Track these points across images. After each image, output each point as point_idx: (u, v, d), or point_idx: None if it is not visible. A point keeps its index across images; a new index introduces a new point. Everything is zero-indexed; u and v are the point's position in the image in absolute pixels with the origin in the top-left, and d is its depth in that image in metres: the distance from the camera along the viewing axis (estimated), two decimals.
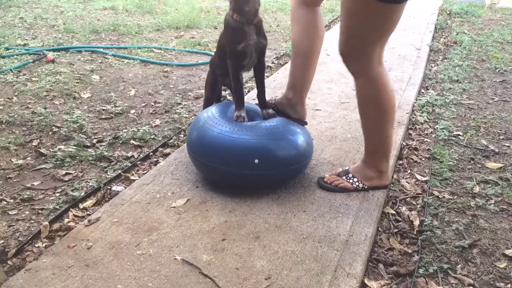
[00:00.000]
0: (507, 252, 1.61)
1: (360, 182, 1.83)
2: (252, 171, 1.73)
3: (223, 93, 3.01)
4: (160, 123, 2.57)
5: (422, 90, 3.18)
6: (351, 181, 1.83)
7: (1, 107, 2.66)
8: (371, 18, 1.57)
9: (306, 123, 1.98)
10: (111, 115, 2.65)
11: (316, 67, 2.00)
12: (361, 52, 1.66)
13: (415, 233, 1.71)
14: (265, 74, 3.39)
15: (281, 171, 1.79)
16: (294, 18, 1.93)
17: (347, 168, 1.90)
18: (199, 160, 1.82)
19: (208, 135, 1.77)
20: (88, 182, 1.97)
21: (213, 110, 1.89)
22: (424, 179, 2.07)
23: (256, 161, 1.70)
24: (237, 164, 1.73)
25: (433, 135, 2.51)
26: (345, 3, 1.61)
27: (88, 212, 1.77)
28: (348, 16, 1.62)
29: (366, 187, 1.84)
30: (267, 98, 1.99)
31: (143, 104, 2.82)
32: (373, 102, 1.73)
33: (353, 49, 1.67)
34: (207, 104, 2.09)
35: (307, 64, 1.94)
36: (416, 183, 2.04)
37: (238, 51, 1.77)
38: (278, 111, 1.97)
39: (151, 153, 2.23)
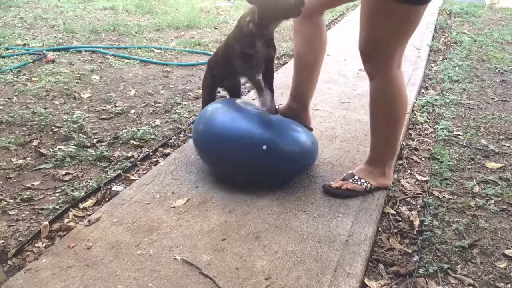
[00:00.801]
0: (507, 252, 1.61)
1: (367, 182, 1.83)
2: (259, 160, 1.73)
3: (223, 92, 3.01)
4: (160, 123, 2.57)
5: (422, 90, 3.18)
6: (359, 182, 1.82)
7: (1, 107, 2.66)
8: (391, 20, 1.55)
9: (311, 130, 1.97)
10: (111, 115, 2.65)
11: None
12: (381, 54, 1.65)
13: (415, 233, 1.71)
14: None
15: (286, 165, 1.79)
16: (298, 32, 1.92)
17: (350, 172, 1.88)
18: (205, 149, 1.84)
19: (218, 120, 1.79)
20: (88, 182, 1.97)
21: (220, 102, 1.91)
22: (424, 179, 2.07)
23: (264, 147, 1.70)
24: (244, 151, 1.73)
25: (433, 135, 2.51)
26: (365, 4, 1.59)
27: (88, 212, 1.77)
28: (368, 17, 1.60)
29: (373, 187, 1.84)
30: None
31: (143, 104, 2.82)
32: (386, 105, 1.72)
33: (373, 50, 1.66)
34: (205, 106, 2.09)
35: (312, 76, 1.95)
36: (416, 183, 2.04)
37: (248, 53, 1.77)
38: None
39: (151, 153, 2.23)
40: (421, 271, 1.51)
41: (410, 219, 1.78)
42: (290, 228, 1.62)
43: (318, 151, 1.94)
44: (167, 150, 2.26)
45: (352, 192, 1.81)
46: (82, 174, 2.04)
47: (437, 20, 5.24)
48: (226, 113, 1.81)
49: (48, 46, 3.85)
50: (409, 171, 2.15)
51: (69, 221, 1.70)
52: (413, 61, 3.62)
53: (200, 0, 6.09)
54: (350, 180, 1.83)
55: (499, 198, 1.92)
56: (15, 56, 3.56)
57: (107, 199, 1.84)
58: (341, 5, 5.50)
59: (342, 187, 1.82)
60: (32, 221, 1.72)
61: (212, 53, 3.83)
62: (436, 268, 1.52)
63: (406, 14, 1.54)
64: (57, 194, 1.89)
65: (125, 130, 2.45)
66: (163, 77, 3.30)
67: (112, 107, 2.75)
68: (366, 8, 1.60)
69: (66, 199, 1.85)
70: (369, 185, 1.83)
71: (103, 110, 2.70)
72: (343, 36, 4.36)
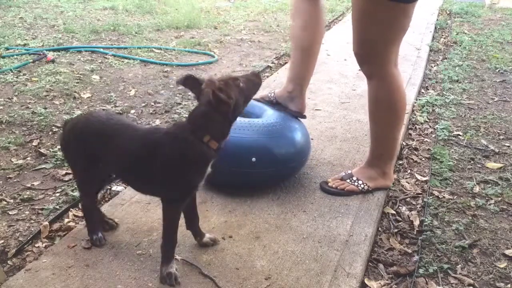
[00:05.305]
0: (507, 252, 1.61)
1: (365, 184, 1.83)
2: (250, 170, 1.72)
3: None
4: (160, 123, 2.57)
5: (422, 90, 3.18)
6: (356, 183, 1.82)
7: (1, 107, 2.66)
8: (382, 18, 1.55)
9: (305, 117, 1.96)
10: None
11: (317, 61, 1.97)
12: (376, 54, 1.64)
13: (415, 233, 1.71)
14: (266, 75, 3.39)
15: (279, 169, 1.78)
16: (296, 11, 1.88)
17: (349, 171, 1.88)
18: None
19: None
20: None
21: None
22: (424, 179, 2.07)
23: (254, 159, 1.69)
24: (234, 163, 1.72)
25: (433, 135, 2.51)
26: (356, 3, 1.59)
27: None
28: (360, 17, 1.60)
29: (370, 188, 1.83)
30: (266, 93, 1.98)
31: (143, 104, 2.82)
32: (386, 105, 1.72)
33: (368, 50, 1.65)
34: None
35: (308, 57, 1.92)
36: (416, 183, 2.04)
37: (197, 186, 1.35)
38: (278, 104, 1.95)
39: None
40: (421, 271, 1.51)
41: (410, 219, 1.78)
42: (290, 228, 1.62)
43: (310, 147, 1.92)
44: None
45: (347, 193, 1.81)
46: None
47: (437, 20, 5.24)
48: None
49: (48, 46, 3.85)
50: (409, 171, 2.15)
51: (69, 221, 1.70)
52: (413, 61, 3.62)
53: (200, 0, 6.09)
54: (348, 181, 1.83)
55: (499, 198, 1.92)
56: (15, 56, 3.56)
57: (107, 199, 1.84)
58: None
59: (338, 187, 1.82)
60: (32, 221, 1.72)
61: (212, 53, 3.83)
62: (436, 268, 1.52)
63: (397, 12, 1.55)
64: (57, 194, 1.89)
65: None
66: (163, 77, 3.30)
67: (112, 107, 2.75)
68: (357, 8, 1.60)
69: (66, 199, 1.85)
70: (366, 187, 1.82)
71: (103, 110, 2.70)
72: (343, 36, 4.35)
